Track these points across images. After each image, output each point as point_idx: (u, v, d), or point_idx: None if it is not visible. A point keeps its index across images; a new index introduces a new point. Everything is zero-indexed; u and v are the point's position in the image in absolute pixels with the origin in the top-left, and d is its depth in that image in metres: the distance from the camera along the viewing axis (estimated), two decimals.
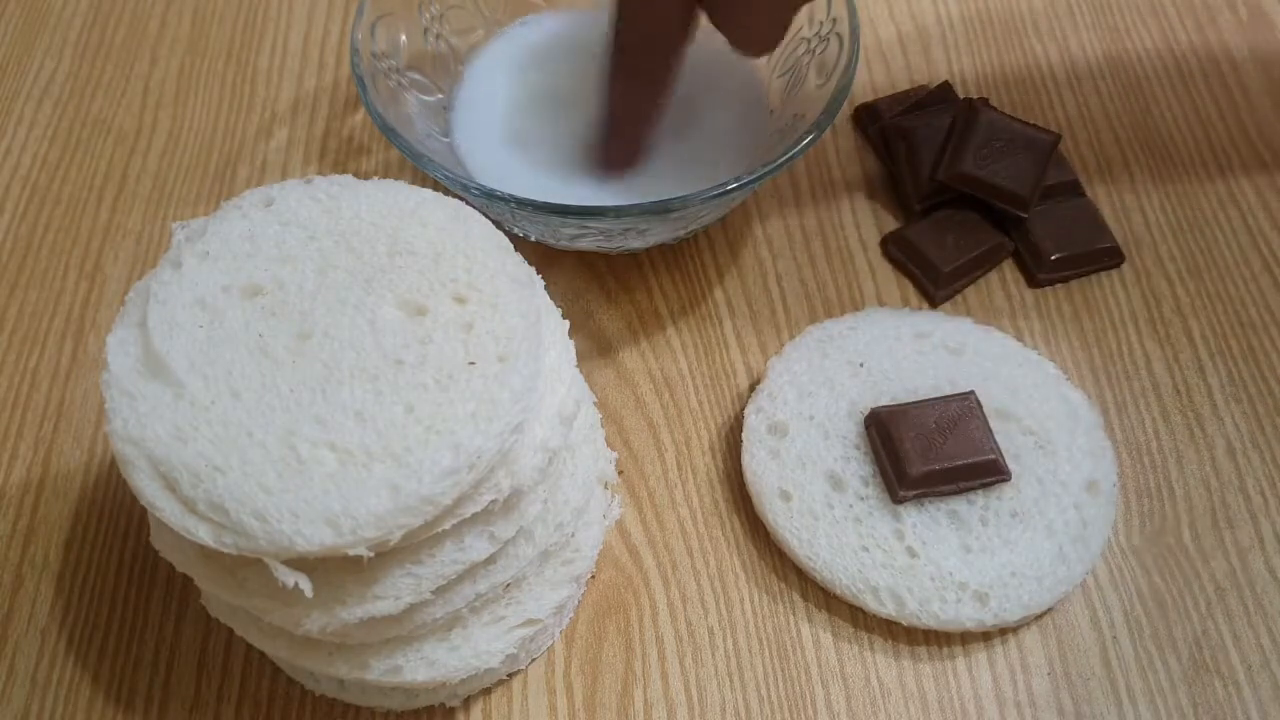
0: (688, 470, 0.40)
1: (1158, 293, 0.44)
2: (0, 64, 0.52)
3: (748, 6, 0.35)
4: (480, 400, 0.27)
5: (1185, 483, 0.39)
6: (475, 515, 0.28)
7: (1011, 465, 0.37)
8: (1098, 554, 0.36)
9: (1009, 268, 0.44)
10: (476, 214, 0.31)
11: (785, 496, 0.37)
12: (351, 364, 0.28)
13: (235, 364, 0.28)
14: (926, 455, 0.36)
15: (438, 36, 0.45)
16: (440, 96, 0.44)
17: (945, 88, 0.48)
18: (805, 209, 0.46)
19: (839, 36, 0.41)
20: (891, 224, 0.46)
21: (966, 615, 0.35)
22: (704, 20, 0.37)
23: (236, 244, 0.30)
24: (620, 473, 0.39)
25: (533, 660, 0.36)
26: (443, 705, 0.35)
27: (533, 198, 0.36)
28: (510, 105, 0.45)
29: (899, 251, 0.44)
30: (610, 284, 0.44)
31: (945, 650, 0.36)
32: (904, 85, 0.49)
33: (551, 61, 0.46)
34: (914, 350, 0.40)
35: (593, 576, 0.37)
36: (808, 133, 0.38)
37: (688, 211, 0.37)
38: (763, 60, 0.45)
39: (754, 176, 0.37)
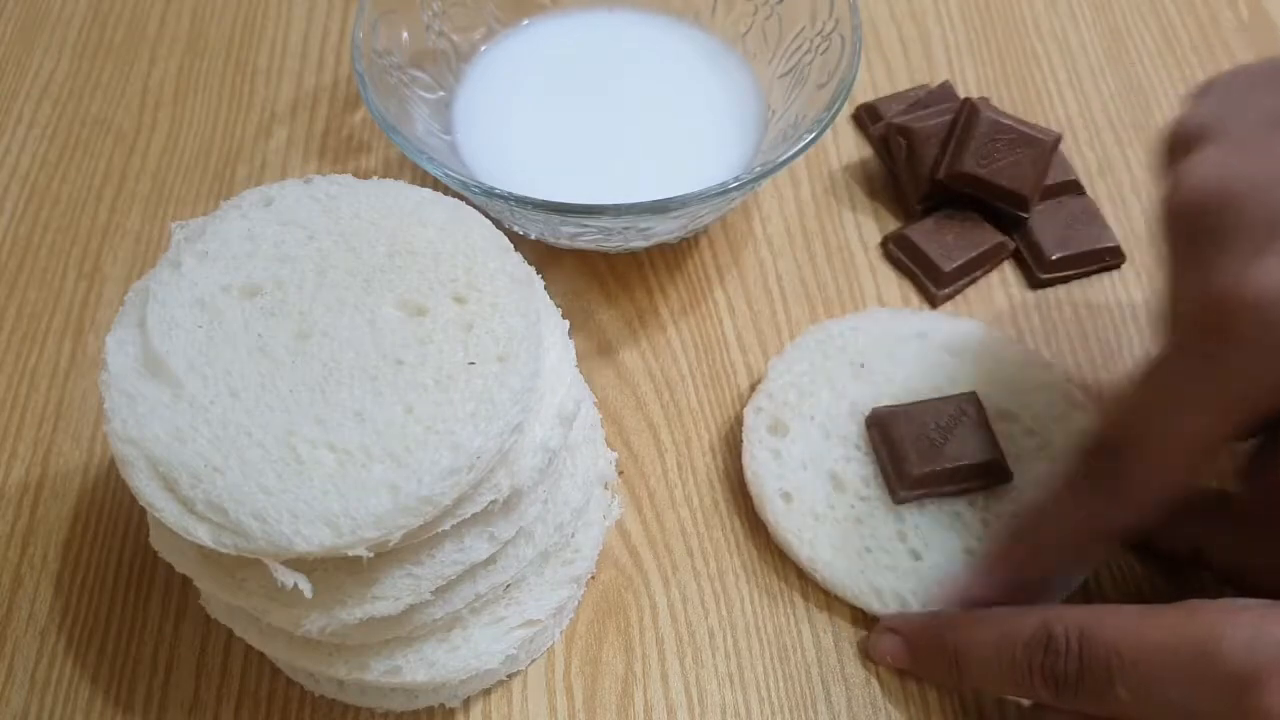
0: (688, 470, 0.39)
1: (1159, 292, 0.44)
2: None
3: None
4: (480, 400, 0.27)
5: None
6: (475, 516, 0.28)
7: (1012, 466, 0.37)
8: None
9: (1010, 267, 0.44)
10: (476, 214, 0.31)
11: (786, 497, 0.37)
12: (351, 364, 0.28)
13: (234, 364, 0.28)
14: (927, 456, 0.36)
15: (439, 34, 0.45)
16: (441, 94, 0.44)
17: (946, 87, 0.48)
18: (805, 209, 0.46)
19: (840, 36, 0.41)
20: (892, 224, 0.46)
21: None
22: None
23: (236, 244, 0.30)
24: (620, 473, 0.39)
25: (532, 661, 0.36)
26: (442, 706, 0.35)
27: (532, 195, 0.36)
28: (511, 103, 0.45)
29: (899, 251, 0.44)
30: (610, 284, 0.44)
31: None
32: (904, 85, 0.49)
33: (554, 61, 0.46)
34: (915, 350, 0.40)
35: (593, 577, 0.37)
36: (808, 132, 0.38)
37: (687, 211, 0.37)
38: (764, 60, 0.45)
39: (754, 176, 0.37)
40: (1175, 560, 0.36)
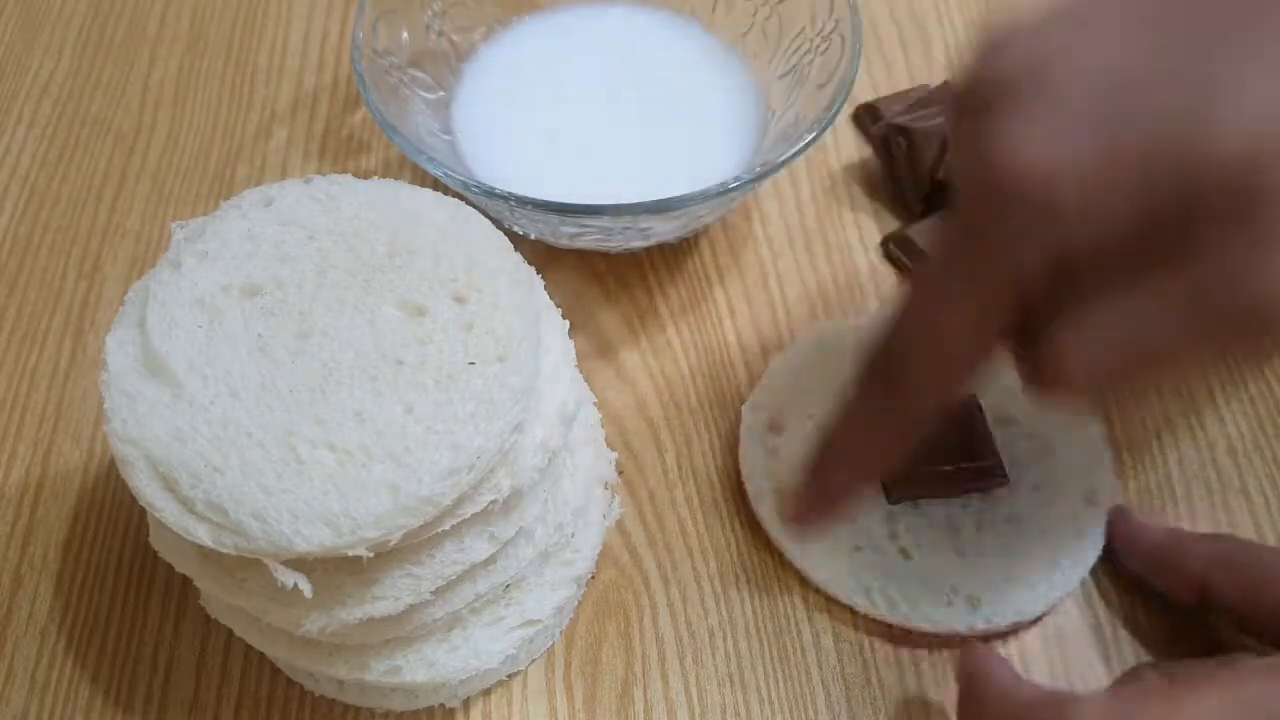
0: (688, 470, 0.39)
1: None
2: None
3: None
4: (480, 400, 0.27)
5: (1186, 483, 0.39)
6: (475, 515, 0.28)
7: (1011, 470, 0.37)
8: (1093, 562, 0.36)
9: None
10: (476, 213, 0.31)
11: (780, 495, 0.37)
12: (351, 364, 0.28)
13: (234, 364, 0.28)
14: (924, 458, 0.36)
15: (439, 34, 0.45)
16: (441, 94, 0.44)
17: (946, 87, 0.48)
18: (805, 209, 0.46)
19: (840, 36, 0.41)
20: (892, 224, 0.46)
21: (957, 619, 0.35)
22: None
23: (236, 244, 0.30)
24: (620, 473, 0.39)
25: (532, 661, 0.36)
26: (442, 706, 0.35)
27: (532, 195, 0.36)
28: (511, 103, 0.45)
29: (899, 251, 0.44)
30: (610, 284, 0.44)
31: (946, 653, 0.36)
32: (904, 85, 0.49)
33: (554, 60, 0.46)
34: None
35: (593, 577, 0.37)
36: (808, 132, 0.38)
37: (687, 211, 0.37)
38: (764, 60, 0.45)
39: (754, 176, 0.37)
40: (1182, 602, 0.35)
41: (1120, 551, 0.36)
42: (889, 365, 0.29)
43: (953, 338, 0.27)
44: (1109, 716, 0.27)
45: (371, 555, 0.26)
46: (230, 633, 0.33)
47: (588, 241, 0.41)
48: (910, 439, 0.30)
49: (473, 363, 0.28)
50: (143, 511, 0.31)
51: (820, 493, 0.32)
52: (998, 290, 0.26)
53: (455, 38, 0.45)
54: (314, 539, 0.25)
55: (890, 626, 0.36)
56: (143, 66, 0.52)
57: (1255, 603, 0.32)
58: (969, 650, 0.32)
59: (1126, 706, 0.28)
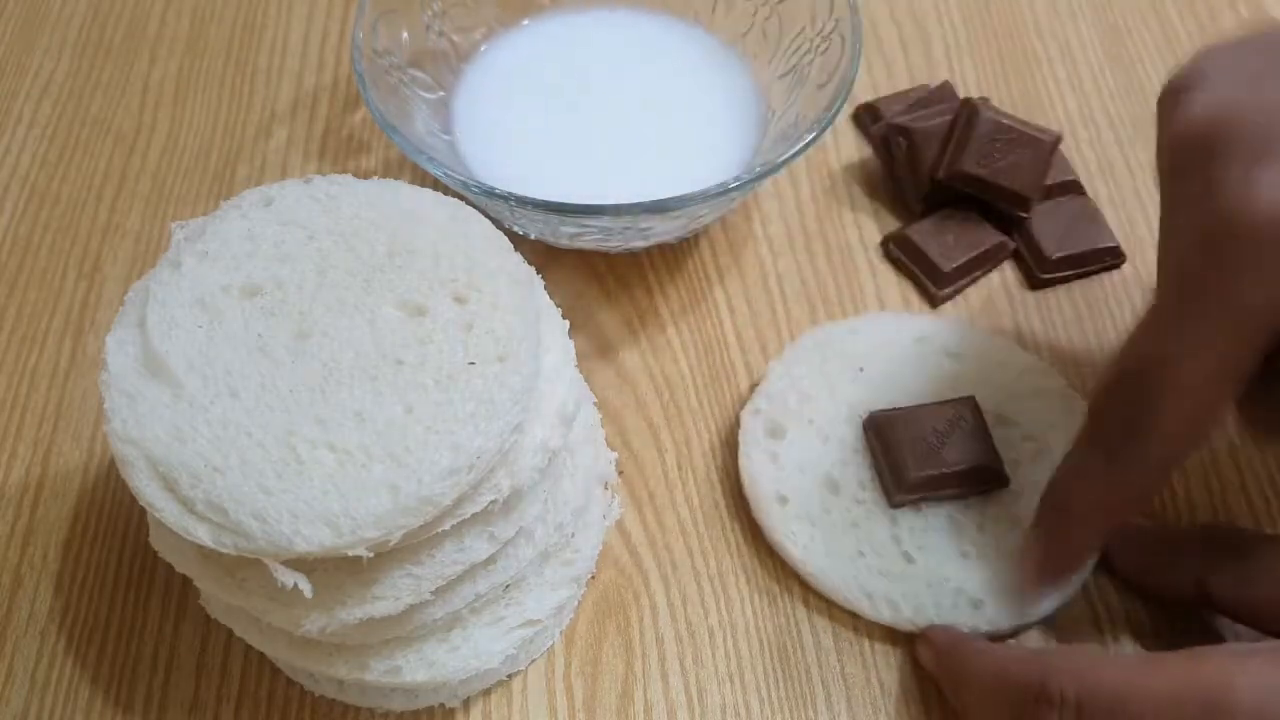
0: (688, 470, 0.39)
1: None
2: None
3: None
4: (480, 400, 0.27)
5: (1186, 484, 0.39)
6: (475, 515, 0.28)
7: (1010, 471, 0.37)
8: (1094, 562, 0.36)
9: (1010, 267, 0.44)
10: (476, 213, 0.31)
11: (782, 501, 0.37)
12: (351, 364, 0.28)
13: (234, 364, 0.28)
14: (925, 460, 0.36)
15: (439, 34, 0.45)
16: (441, 94, 0.44)
17: (946, 87, 0.48)
18: (805, 209, 0.46)
19: (840, 36, 0.41)
20: (892, 224, 0.46)
21: (962, 620, 0.35)
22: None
23: (236, 244, 0.30)
24: (620, 473, 0.39)
25: (532, 661, 0.36)
26: (442, 706, 0.35)
27: (532, 195, 0.36)
28: (511, 103, 0.45)
29: (899, 251, 0.44)
30: (610, 284, 0.44)
31: None
32: (904, 85, 0.49)
33: (554, 60, 0.46)
34: (914, 354, 0.40)
35: (593, 577, 0.37)
36: (808, 132, 0.38)
37: (687, 211, 0.37)
38: (764, 60, 0.45)
39: (754, 176, 0.37)
40: (1179, 599, 0.34)
41: (1115, 559, 0.36)
42: (1127, 421, 0.28)
43: (1197, 389, 0.27)
44: (1079, 657, 0.29)
45: (371, 555, 0.26)
46: (230, 633, 0.33)
47: (588, 241, 0.41)
48: (1151, 495, 0.30)
49: (473, 363, 0.28)
50: (143, 511, 0.31)
51: (1060, 556, 0.33)
52: (1243, 336, 0.26)
53: (455, 38, 0.45)
54: (314, 539, 0.25)
55: (891, 626, 0.36)
56: (143, 66, 0.52)
57: (1252, 591, 0.32)
58: (925, 632, 0.34)
59: (1099, 658, 0.29)
